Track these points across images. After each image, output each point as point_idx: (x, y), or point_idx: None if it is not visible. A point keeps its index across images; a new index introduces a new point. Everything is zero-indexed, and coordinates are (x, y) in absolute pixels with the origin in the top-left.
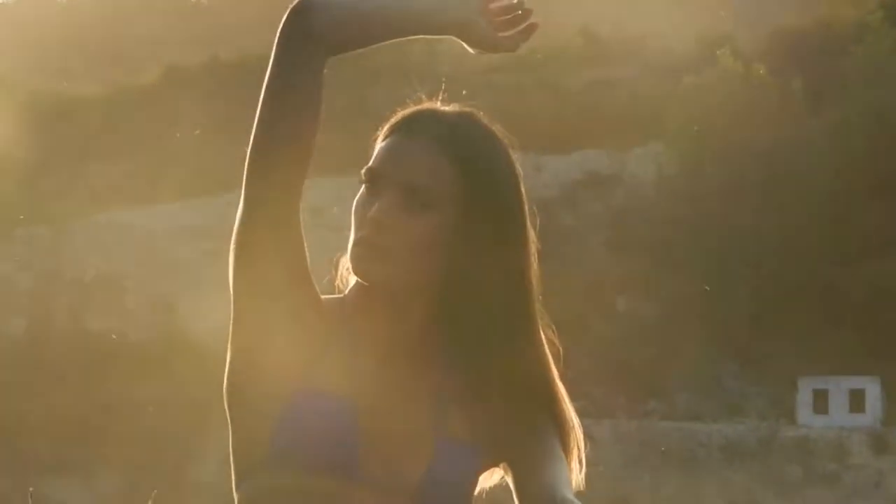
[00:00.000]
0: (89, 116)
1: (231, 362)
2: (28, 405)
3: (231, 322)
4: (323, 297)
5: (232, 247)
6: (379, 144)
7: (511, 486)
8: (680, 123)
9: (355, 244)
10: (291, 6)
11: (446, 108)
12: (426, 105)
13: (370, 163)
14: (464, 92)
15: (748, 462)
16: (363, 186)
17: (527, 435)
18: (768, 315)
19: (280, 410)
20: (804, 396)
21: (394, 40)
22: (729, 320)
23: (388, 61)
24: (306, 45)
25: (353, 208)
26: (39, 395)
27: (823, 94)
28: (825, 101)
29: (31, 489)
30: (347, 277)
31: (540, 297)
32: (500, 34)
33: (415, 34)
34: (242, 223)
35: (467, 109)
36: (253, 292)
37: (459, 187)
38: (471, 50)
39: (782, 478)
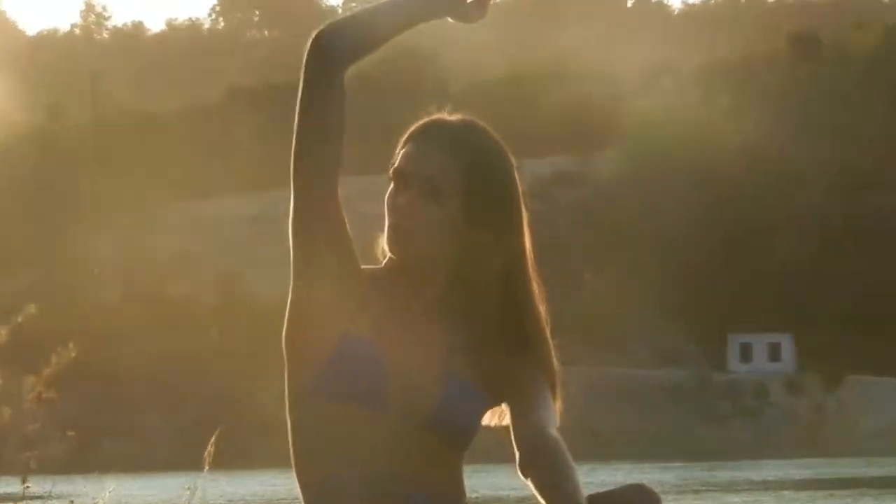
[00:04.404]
0: (169, 128)
1: (289, 315)
2: (121, 356)
3: (291, 284)
4: (362, 266)
5: (290, 228)
6: (401, 150)
7: (509, 423)
8: (633, 133)
9: (388, 228)
10: (311, 36)
11: (451, 117)
12: (436, 116)
13: (396, 165)
14: (449, 105)
15: (686, 401)
16: (391, 183)
17: (522, 382)
18: (704, 284)
19: (325, 353)
20: (734, 348)
21: (398, 36)
22: (672, 288)
23: (404, 84)
24: (326, 67)
25: (386, 201)
26: (130, 348)
27: (741, 110)
28: (742, 114)
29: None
30: (385, 252)
31: (535, 267)
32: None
33: (414, 26)
34: (295, 209)
35: (468, 118)
36: (308, 261)
37: (465, 179)
38: (452, 21)
39: (715, 414)
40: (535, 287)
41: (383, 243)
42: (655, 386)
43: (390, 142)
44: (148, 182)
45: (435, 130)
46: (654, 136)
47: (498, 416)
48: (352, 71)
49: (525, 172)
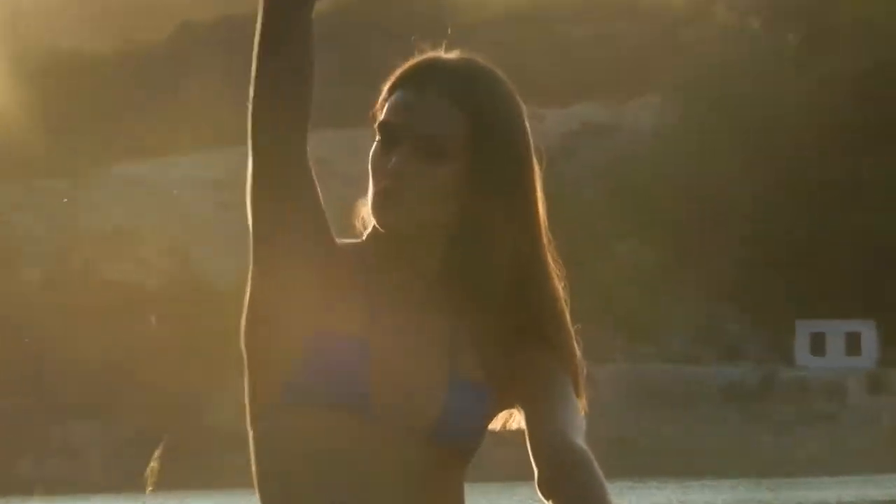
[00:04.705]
0: (106, 72)
1: (250, 305)
2: (47, 351)
3: (251, 266)
4: (339, 240)
5: (248, 197)
6: (389, 98)
7: (524, 428)
8: (677, 76)
9: (376, 195)
10: None
11: (450, 56)
12: (430, 55)
13: (383, 117)
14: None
15: (745, 403)
16: (377, 139)
17: (538, 378)
18: (765, 260)
19: (296, 350)
20: (803, 339)
21: None
22: (725, 266)
23: (393, 18)
24: None
25: (370, 160)
26: (58, 342)
27: (816, 47)
28: (818, 54)
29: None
30: (367, 223)
31: (550, 239)
32: None
33: None
34: (254, 174)
35: (468, 55)
36: (271, 238)
37: (471, 133)
38: None
39: (780, 418)
40: (551, 261)
41: (364, 212)
42: (706, 385)
43: (378, 89)
44: (81, 139)
45: (430, 73)
46: (703, 79)
47: (507, 420)
48: (328, 3)
49: (546, 124)
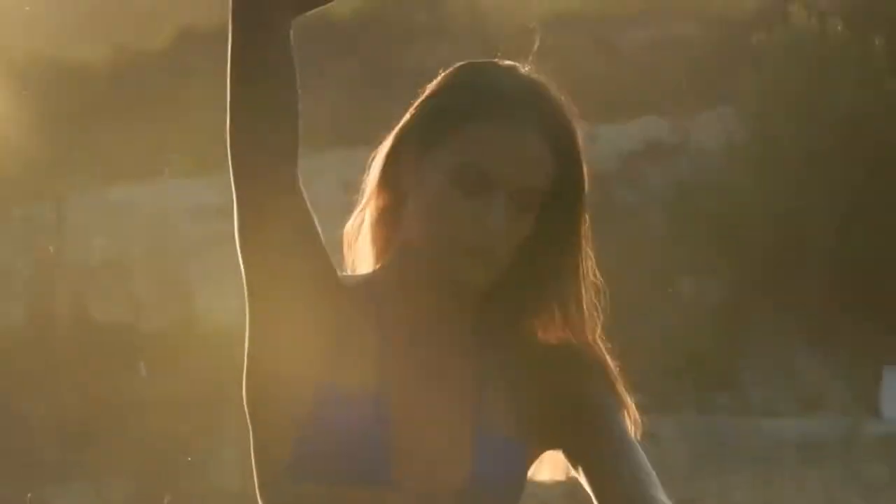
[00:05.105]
0: (94, 84)
1: (248, 360)
2: (28, 404)
3: (247, 316)
4: (342, 276)
5: (236, 236)
6: (466, 122)
7: (583, 481)
8: (750, 86)
9: (464, 252)
10: None
11: (527, 76)
12: (508, 67)
13: (474, 155)
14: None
15: (828, 462)
16: (450, 176)
17: (589, 419)
18: (850, 298)
19: (303, 410)
20: (891, 388)
21: None
22: (806, 304)
23: (423, 19)
24: (262, 18)
25: (439, 200)
26: (40, 393)
27: None
28: None
29: (29, 495)
30: (364, 256)
31: (594, 278)
32: None
33: None
34: (239, 213)
35: (529, 70)
36: (265, 283)
37: (553, 179)
38: None
39: (867, 479)
40: (586, 293)
41: (361, 245)
42: (783, 441)
43: (407, 99)
44: (66, 159)
45: (523, 104)
46: (780, 90)
47: (549, 470)
48: (350, 6)
49: (600, 143)
